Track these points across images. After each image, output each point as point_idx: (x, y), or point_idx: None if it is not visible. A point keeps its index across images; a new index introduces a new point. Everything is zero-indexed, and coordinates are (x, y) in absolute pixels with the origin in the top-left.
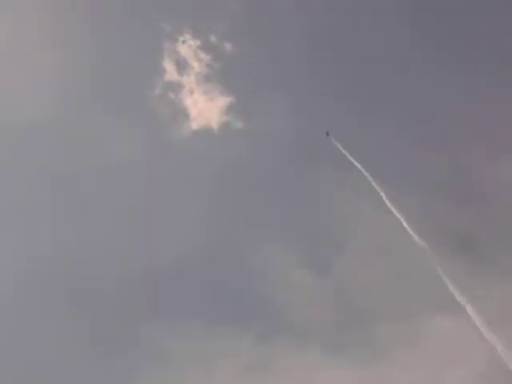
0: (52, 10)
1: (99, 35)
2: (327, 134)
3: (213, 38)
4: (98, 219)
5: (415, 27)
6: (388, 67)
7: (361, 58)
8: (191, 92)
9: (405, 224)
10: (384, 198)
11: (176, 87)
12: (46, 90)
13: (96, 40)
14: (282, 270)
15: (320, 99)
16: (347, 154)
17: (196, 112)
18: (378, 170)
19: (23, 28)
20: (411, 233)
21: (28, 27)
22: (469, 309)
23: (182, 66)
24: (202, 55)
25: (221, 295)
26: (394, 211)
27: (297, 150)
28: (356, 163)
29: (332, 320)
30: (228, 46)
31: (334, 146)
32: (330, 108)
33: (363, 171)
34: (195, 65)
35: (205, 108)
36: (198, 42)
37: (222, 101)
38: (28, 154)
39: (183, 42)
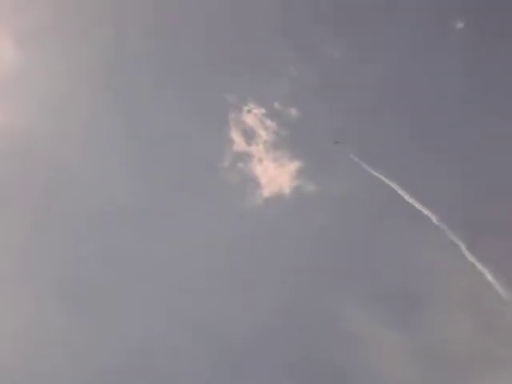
0: (115, 89)
1: (164, 111)
2: (336, 142)
3: (277, 105)
4: (176, 289)
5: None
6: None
7: (431, 114)
8: (260, 160)
9: (488, 275)
10: (464, 248)
11: (245, 157)
12: (117, 170)
13: (163, 116)
14: (371, 331)
15: (389, 156)
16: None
17: (267, 179)
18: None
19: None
20: (495, 283)
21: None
22: None
23: (249, 135)
24: (268, 123)
25: (310, 361)
26: (475, 262)
27: (371, 207)
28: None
29: (424, 380)
30: (293, 111)
31: (407, 203)
32: (401, 163)
33: (430, 216)
34: (262, 133)
35: (275, 175)
36: (263, 110)
37: (292, 166)
38: (106, 235)
39: (248, 111)
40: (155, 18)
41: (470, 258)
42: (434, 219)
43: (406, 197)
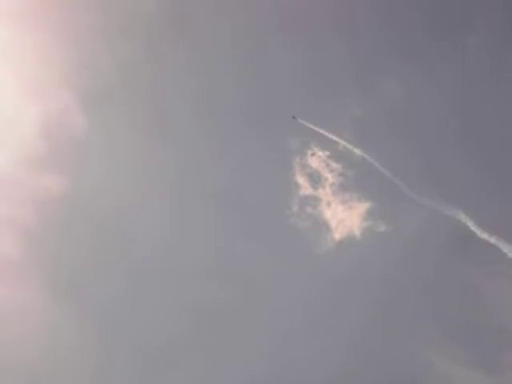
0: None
1: (228, 161)
2: (294, 117)
3: (341, 147)
4: (251, 335)
5: None
6: None
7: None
8: (329, 203)
9: None
10: None
11: (313, 201)
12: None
13: (227, 167)
14: (454, 372)
15: (458, 192)
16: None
17: (336, 222)
18: None
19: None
20: None
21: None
22: None
23: (315, 179)
24: (334, 165)
25: None
26: None
27: (443, 245)
28: None
29: None
30: (357, 152)
31: (479, 238)
32: (471, 199)
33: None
34: (328, 176)
35: (344, 217)
36: (327, 153)
37: (361, 207)
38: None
39: (312, 154)
40: (217, 68)
41: None
42: (510, 254)
43: (479, 232)
